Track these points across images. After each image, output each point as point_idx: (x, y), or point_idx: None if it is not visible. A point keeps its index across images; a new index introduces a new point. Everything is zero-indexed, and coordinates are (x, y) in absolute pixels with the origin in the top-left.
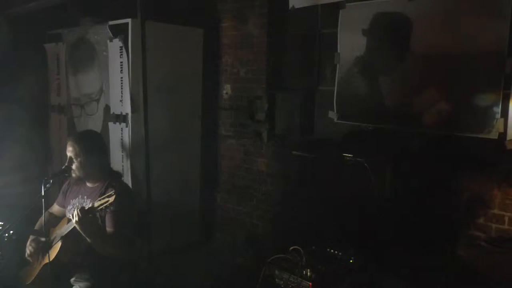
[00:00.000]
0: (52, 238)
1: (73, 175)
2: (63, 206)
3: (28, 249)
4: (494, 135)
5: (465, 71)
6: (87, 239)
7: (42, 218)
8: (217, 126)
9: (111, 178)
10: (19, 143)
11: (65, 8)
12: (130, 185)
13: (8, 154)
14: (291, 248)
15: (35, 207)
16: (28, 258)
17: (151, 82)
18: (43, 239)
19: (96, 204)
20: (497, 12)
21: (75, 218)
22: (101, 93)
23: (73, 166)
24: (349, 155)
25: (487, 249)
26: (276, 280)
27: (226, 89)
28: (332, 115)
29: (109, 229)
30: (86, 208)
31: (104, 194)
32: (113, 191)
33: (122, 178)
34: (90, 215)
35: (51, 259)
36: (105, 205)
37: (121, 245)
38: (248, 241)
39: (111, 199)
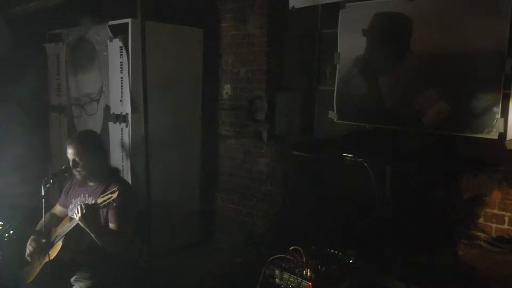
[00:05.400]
0: (53, 237)
1: (77, 176)
2: (65, 206)
3: (28, 249)
4: (494, 135)
5: (465, 71)
6: (91, 234)
7: (43, 219)
8: (217, 126)
9: (112, 176)
10: (19, 143)
11: (65, 8)
12: None
13: (8, 154)
14: (291, 248)
15: (35, 207)
16: (28, 258)
17: (151, 82)
18: (43, 240)
19: (99, 201)
20: (497, 12)
21: (79, 213)
22: (101, 93)
23: (74, 168)
24: (349, 155)
25: (487, 249)
26: (276, 280)
27: (226, 89)
28: (332, 115)
29: (112, 224)
30: (90, 204)
31: (106, 191)
32: (116, 187)
33: (121, 174)
34: (93, 210)
35: (51, 258)
36: (108, 201)
37: (124, 242)
38: (248, 241)
39: (114, 195)
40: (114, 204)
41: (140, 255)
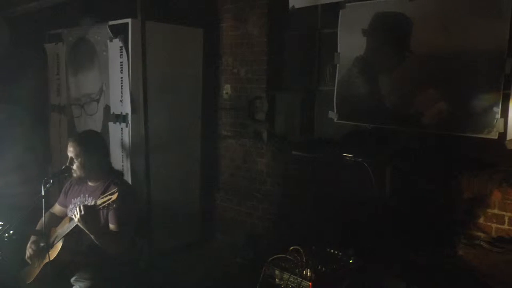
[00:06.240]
0: (53, 237)
1: (74, 175)
2: (65, 205)
3: (28, 251)
4: (494, 135)
5: (465, 71)
6: (91, 235)
7: (43, 219)
8: (217, 126)
9: (112, 177)
10: (19, 143)
11: (65, 8)
12: None
13: (8, 154)
14: (291, 248)
15: (35, 207)
16: (28, 260)
17: (151, 82)
18: (42, 244)
19: (98, 202)
20: (497, 12)
21: (78, 215)
22: (101, 93)
23: (74, 166)
24: (349, 155)
25: (487, 249)
26: (276, 280)
27: (226, 89)
28: (332, 115)
29: (112, 225)
30: (89, 205)
31: (106, 192)
32: (116, 188)
33: (124, 177)
34: (92, 211)
35: (51, 259)
36: (107, 202)
37: (124, 243)
38: (248, 241)
39: (114, 196)
40: (114, 205)
41: (140, 255)
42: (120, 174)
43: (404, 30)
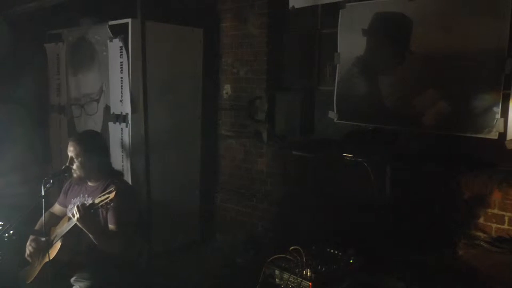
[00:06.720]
0: (52, 237)
1: (74, 174)
2: (64, 205)
3: (28, 249)
4: (494, 135)
5: (465, 71)
6: (90, 235)
7: (42, 218)
8: (217, 126)
9: (112, 177)
10: (19, 143)
11: (65, 8)
12: None
13: (8, 154)
14: (291, 248)
15: (35, 207)
16: (28, 258)
17: (151, 82)
18: (43, 239)
19: (96, 201)
20: (497, 12)
21: (76, 215)
22: (101, 93)
23: (74, 166)
24: (349, 155)
25: (487, 249)
26: (276, 280)
27: (226, 89)
28: (332, 115)
29: (111, 225)
30: (87, 204)
31: (105, 191)
32: (114, 187)
33: (124, 177)
34: (91, 211)
35: (51, 258)
36: (105, 201)
37: (123, 243)
38: (248, 241)
39: (112, 195)
40: (112, 204)
41: (140, 255)
42: (120, 174)
43: (404, 30)
